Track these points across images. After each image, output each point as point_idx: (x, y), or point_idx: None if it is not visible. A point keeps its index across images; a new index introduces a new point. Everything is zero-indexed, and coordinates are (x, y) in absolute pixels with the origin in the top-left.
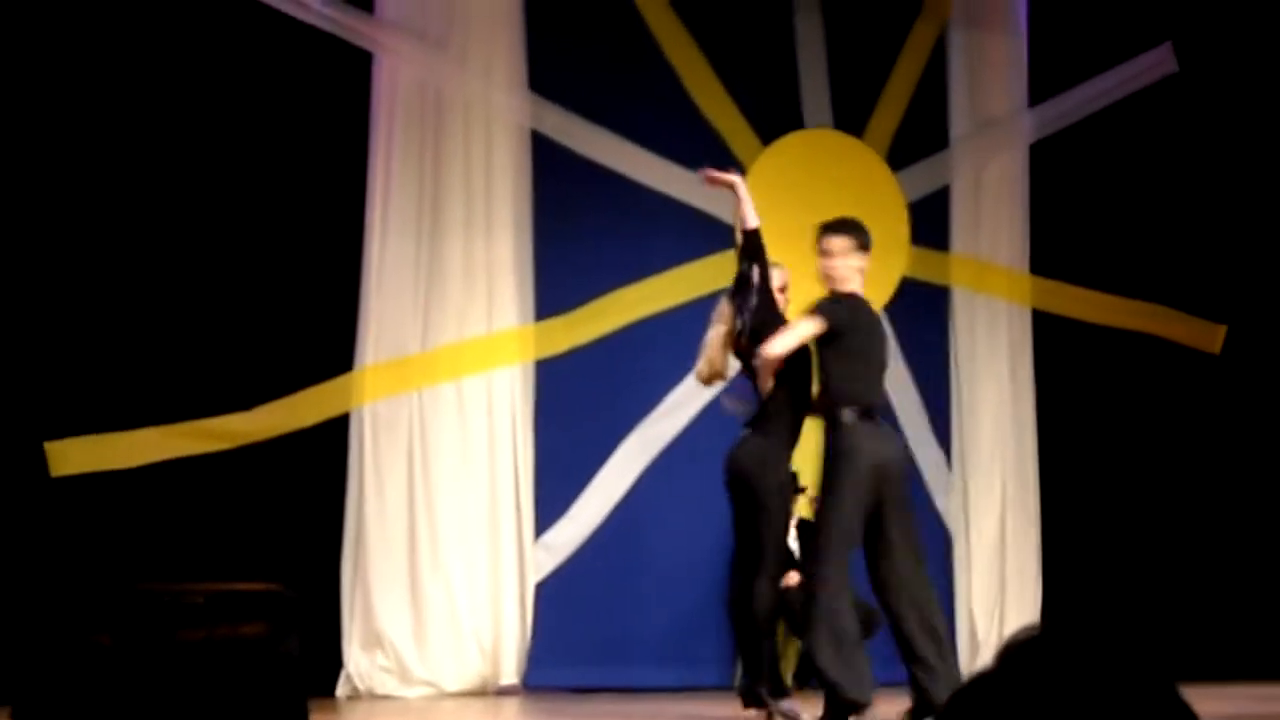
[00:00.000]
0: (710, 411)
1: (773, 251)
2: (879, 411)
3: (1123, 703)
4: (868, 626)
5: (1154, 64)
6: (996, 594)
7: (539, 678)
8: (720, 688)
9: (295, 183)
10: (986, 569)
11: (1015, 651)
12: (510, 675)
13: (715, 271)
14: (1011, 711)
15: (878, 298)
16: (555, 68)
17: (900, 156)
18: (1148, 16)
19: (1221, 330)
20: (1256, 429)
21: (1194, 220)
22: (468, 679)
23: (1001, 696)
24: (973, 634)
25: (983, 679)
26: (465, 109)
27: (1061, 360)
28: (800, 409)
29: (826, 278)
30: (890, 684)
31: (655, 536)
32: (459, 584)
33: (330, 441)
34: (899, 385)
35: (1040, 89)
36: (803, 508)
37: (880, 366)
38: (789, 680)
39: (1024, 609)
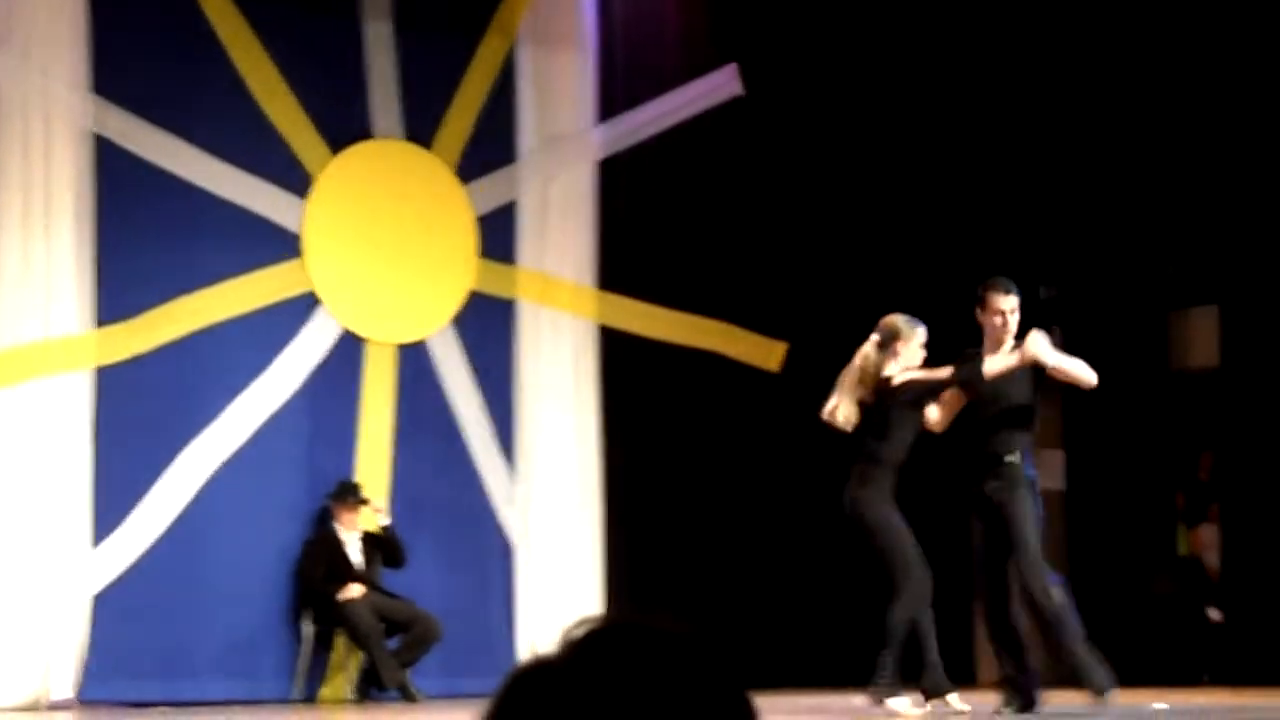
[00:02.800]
0: (273, 425)
1: (341, 261)
2: None
3: (684, 695)
4: (427, 636)
5: (719, 84)
6: (559, 603)
7: (95, 691)
8: (281, 701)
9: None
10: (549, 578)
11: (577, 642)
12: (65, 689)
13: (280, 281)
14: (569, 700)
15: (444, 311)
16: (120, 70)
17: (469, 169)
18: (716, 38)
19: (781, 347)
20: (814, 445)
21: (758, 239)
22: (19, 694)
23: (560, 683)
24: (534, 643)
25: (542, 665)
26: (24, 107)
27: (629, 374)
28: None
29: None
30: (442, 696)
31: (216, 548)
32: (9, 596)
33: None
34: (464, 397)
35: (610, 106)
36: (367, 520)
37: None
38: (348, 693)
39: (587, 614)
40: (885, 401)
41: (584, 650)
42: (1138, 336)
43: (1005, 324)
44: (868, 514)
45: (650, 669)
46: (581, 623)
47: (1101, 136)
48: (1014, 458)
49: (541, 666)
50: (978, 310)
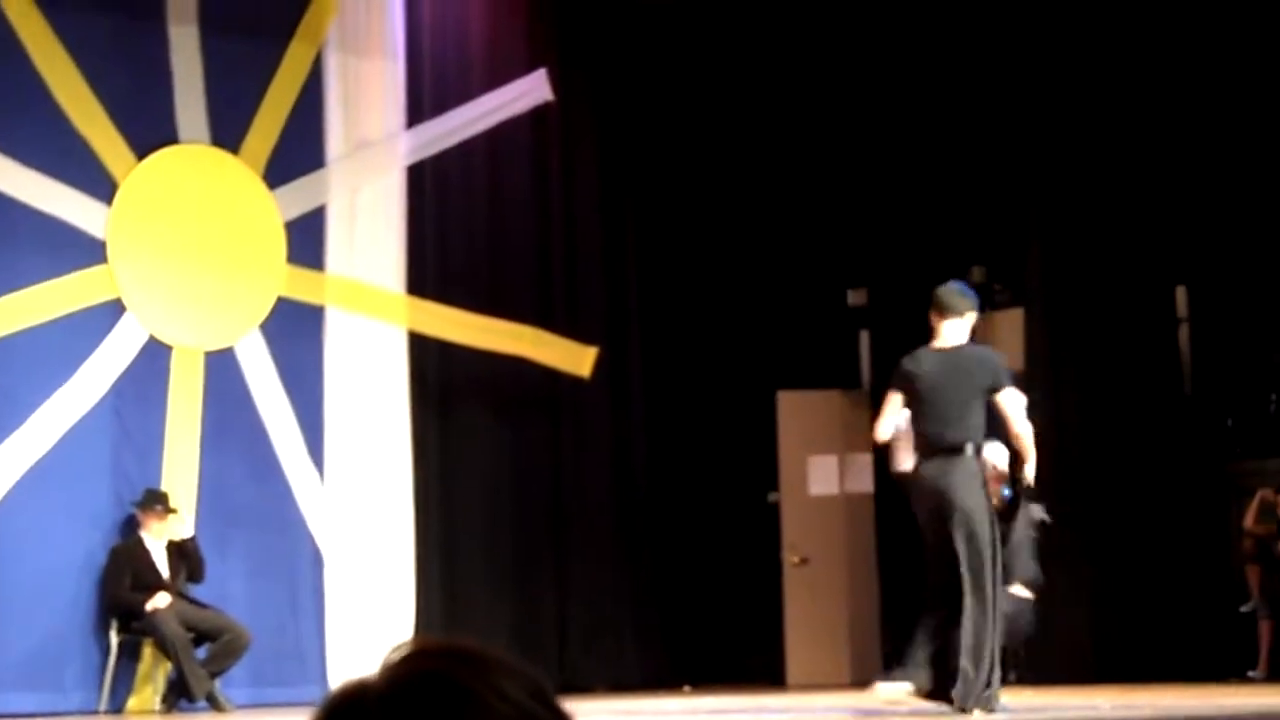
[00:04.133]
0: (79, 432)
1: (148, 267)
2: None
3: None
4: (235, 645)
5: (528, 90)
6: (370, 612)
7: None
8: (87, 713)
9: None
10: (360, 587)
11: (398, 666)
12: None
13: (85, 288)
14: None
15: (251, 317)
16: None
17: (277, 175)
18: (526, 44)
19: (592, 353)
20: (625, 449)
21: (569, 245)
22: None
23: (378, 710)
24: (345, 650)
25: (361, 690)
26: None
27: (440, 380)
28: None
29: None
30: (250, 705)
31: (19, 557)
32: None
33: None
34: (272, 404)
35: (418, 112)
36: (174, 529)
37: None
38: (156, 704)
39: (398, 624)
40: None
41: (403, 676)
42: None
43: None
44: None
45: (469, 696)
46: (400, 647)
47: (909, 138)
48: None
49: (360, 692)
50: (933, 314)
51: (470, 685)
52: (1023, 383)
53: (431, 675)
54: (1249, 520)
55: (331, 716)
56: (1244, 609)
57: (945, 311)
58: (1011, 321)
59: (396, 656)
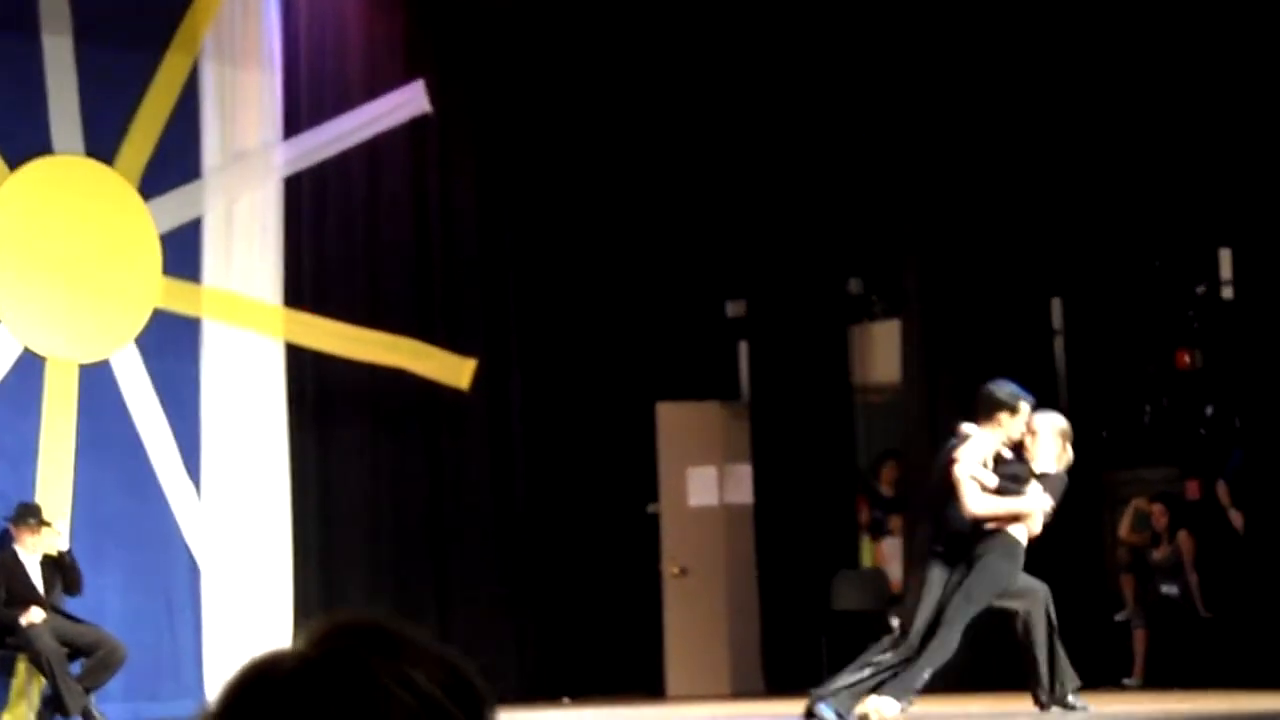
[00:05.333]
0: None
1: (21, 279)
2: None
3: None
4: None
5: (406, 101)
6: (248, 625)
7: None
8: None
9: None
10: (238, 600)
11: (314, 640)
12: None
13: None
14: (303, 698)
15: (127, 329)
16: None
17: (152, 186)
18: (405, 55)
19: (471, 364)
20: (505, 461)
21: (447, 256)
22: None
23: (297, 681)
24: (222, 664)
25: (276, 662)
26: None
27: (319, 390)
28: None
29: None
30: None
31: None
32: None
33: None
34: (148, 417)
35: (295, 123)
36: (49, 543)
37: None
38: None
39: (275, 637)
40: None
41: (314, 654)
42: (820, 351)
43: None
44: None
45: (373, 683)
46: (328, 617)
47: (786, 149)
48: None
49: (272, 664)
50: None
51: (377, 671)
52: (900, 394)
53: (341, 655)
54: (1123, 530)
55: (242, 685)
56: (1119, 618)
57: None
58: (888, 333)
59: (319, 628)
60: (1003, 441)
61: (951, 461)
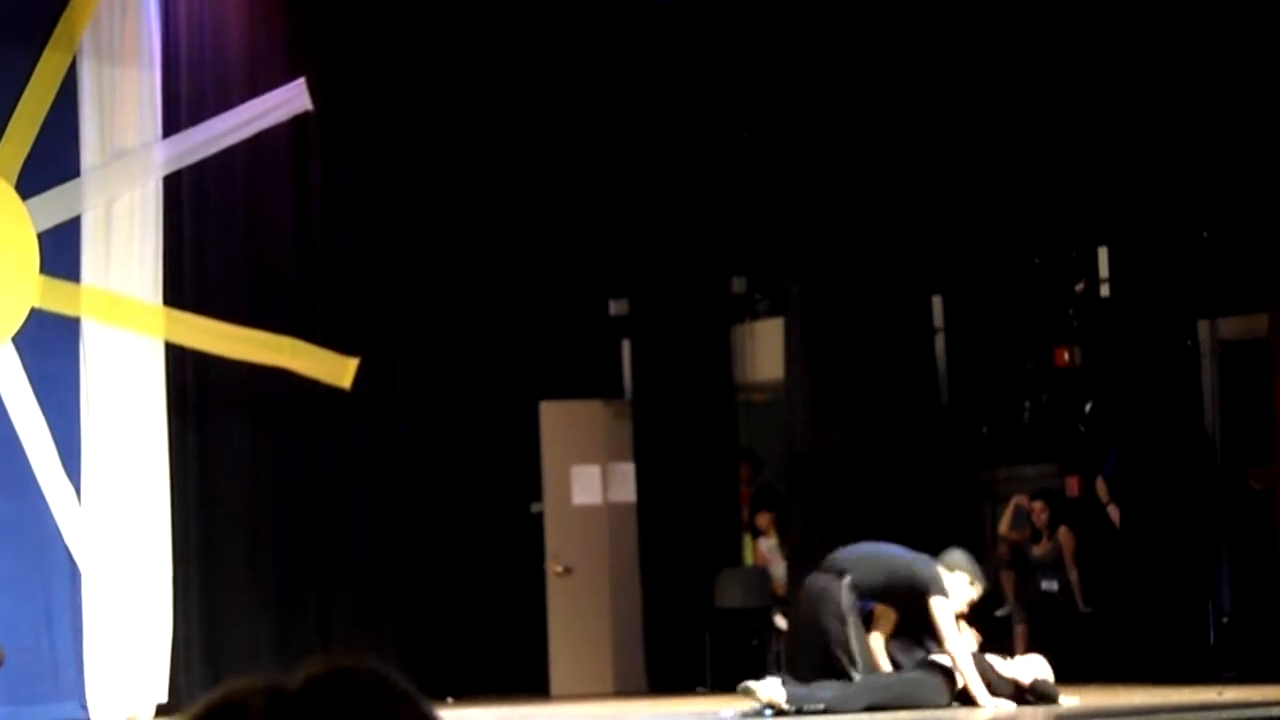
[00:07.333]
0: None
1: None
2: None
3: None
4: None
5: (287, 99)
6: (128, 628)
7: None
8: None
9: None
10: (119, 603)
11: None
12: None
13: None
14: None
15: (5, 329)
16: None
17: (30, 185)
18: (286, 53)
19: (353, 363)
20: (387, 463)
21: (329, 256)
22: None
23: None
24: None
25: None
26: None
27: (199, 390)
28: None
29: None
30: None
31: None
32: None
33: None
34: (26, 417)
35: (175, 121)
36: None
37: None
38: None
39: (157, 639)
40: None
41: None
42: (703, 349)
43: None
44: None
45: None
46: (314, 664)
47: (670, 148)
48: None
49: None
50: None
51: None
52: (782, 392)
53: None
54: (1004, 526)
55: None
56: (999, 613)
57: None
58: (771, 331)
59: (304, 675)
60: None
61: None
